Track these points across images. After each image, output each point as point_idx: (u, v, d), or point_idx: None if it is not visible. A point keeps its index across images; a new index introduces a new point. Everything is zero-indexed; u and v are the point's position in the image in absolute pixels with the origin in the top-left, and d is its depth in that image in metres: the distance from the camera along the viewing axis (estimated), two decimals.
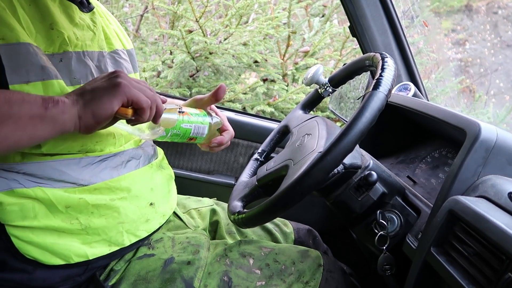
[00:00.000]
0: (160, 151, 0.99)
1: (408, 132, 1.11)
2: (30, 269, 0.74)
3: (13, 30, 0.66)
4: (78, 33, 0.78)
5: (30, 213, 0.72)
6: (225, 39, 2.37)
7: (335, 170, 0.76)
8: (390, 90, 0.68)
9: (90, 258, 0.77)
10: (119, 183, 0.80)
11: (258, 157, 1.00)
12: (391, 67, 0.71)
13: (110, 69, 0.84)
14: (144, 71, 2.24)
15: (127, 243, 0.82)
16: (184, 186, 1.24)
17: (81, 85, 0.71)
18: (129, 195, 0.81)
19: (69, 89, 0.73)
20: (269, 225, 1.06)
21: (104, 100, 0.64)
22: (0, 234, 0.72)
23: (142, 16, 2.70)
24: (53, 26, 0.73)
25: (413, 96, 1.15)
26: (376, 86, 0.67)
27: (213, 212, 1.07)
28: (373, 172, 0.78)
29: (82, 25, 0.80)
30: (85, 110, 0.64)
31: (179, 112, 0.86)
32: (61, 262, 0.75)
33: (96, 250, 0.78)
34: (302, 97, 2.16)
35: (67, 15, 0.78)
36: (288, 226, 1.09)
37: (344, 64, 0.96)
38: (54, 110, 0.62)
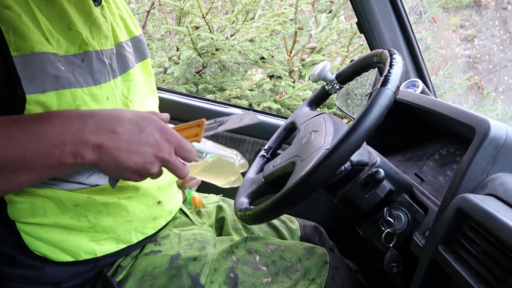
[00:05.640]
0: None
1: (415, 129, 1.10)
2: (39, 265, 0.75)
3: (28, 39, 0.64)
4: (94, 31, 0.77)
5: (39, 210, 0.72)
6: (231, 36, 2.37)
7: (342, 167, 0.75)
8: (398, 87, 0.67)
9: (98, 255, 0.77)
10: (127, 183, 0.80)
11: (265, 154, 1.00)
12: (399, 64, 0.70)
13: (117, 65, 0.83)
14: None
15: (134, 240, 0.82)
16: None
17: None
18: (136, 194, 0.81)
19: (91, 90, 0.72)
20: (275, 221, 1.06)
21: (126, 177, 0.63)
22: (10, 231, 0.72)
23: (148, 12, 2.70)
24: (71, 26, 0.72)
25: (421, 93, 1.14)
26: (384, 83, 0.67)
27: (220, 208, 1.07)
28: (380, 169, 0.78)
29: (97, 22, 0.78)
30: (102, 170, 0.62)
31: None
32: (70, 259, 0.75)
33: (104, 247, 0.78)
34: (309, 94, 2.16)
35: (84, 13, 0.76)
36: (295, 223, 1.09)
37: (352, 61, 0.95)
38: (71, 166, 0.60)
